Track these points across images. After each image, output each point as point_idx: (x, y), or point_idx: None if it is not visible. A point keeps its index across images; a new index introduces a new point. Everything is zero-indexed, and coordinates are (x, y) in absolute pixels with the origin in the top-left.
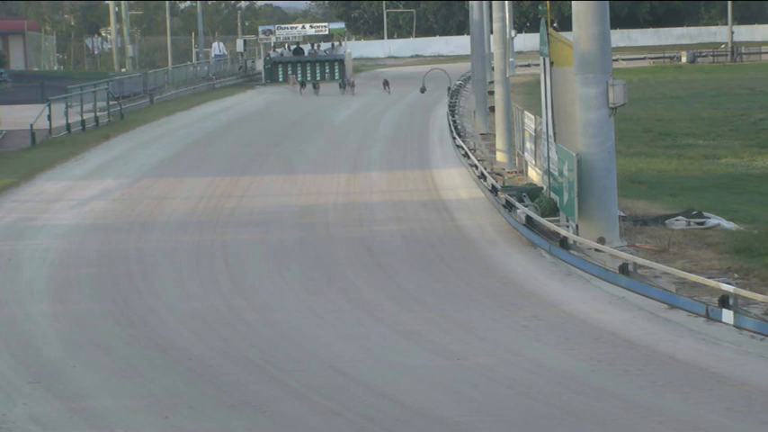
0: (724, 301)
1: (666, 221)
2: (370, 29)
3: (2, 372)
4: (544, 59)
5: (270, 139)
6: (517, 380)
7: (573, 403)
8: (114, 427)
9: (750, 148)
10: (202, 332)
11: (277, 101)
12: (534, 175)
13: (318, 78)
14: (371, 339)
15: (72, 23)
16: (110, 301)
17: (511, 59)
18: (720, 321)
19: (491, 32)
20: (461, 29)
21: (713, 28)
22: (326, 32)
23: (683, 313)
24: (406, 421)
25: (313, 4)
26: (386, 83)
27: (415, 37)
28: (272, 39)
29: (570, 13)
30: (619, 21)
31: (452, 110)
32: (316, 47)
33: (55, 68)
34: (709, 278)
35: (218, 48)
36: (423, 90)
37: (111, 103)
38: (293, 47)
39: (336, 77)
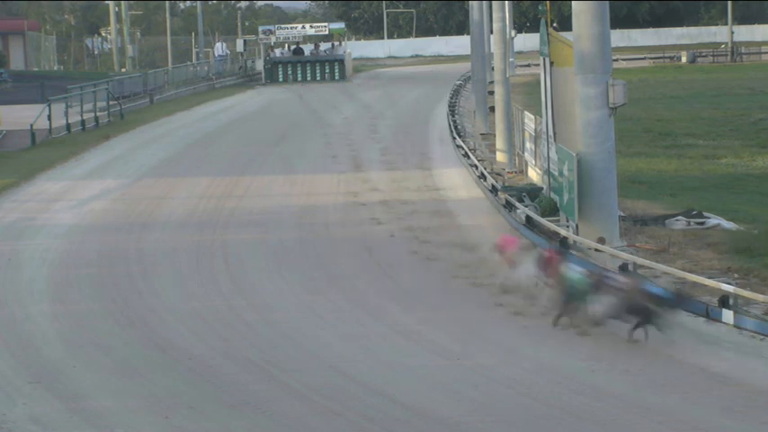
0: (724, 301)
1: (666, 221)
2: (370, 29)
3: (2, 372)
4: (544, 59)
5: (270, 139)
6: (517, 380)
7: (573, 403)
8: (114, 427)
9: (750, 148)
10: (202, 332)
11: (277, 101)
12: (534, 175)
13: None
14: (371, 339)
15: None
16: (110, 301)
17: (511, 59)
18: (720, 321)
19: (491, 32)
20: (461, 29)
21: (713, 28)
22: (326, 32)
23: (682, 313)
24: (406, 421)
25: (313, 4)
26: None
27: (415, 37)
28: (272, 39)
29: (570, 13)
30: (618, 21)
31: (452, 110)
32: (316, 47)
33: (55, 68)
34: (710, 278)
35: (220, 48)
36: None
37: (111, 103)
38: (293, 47)
39: (336, 77)
